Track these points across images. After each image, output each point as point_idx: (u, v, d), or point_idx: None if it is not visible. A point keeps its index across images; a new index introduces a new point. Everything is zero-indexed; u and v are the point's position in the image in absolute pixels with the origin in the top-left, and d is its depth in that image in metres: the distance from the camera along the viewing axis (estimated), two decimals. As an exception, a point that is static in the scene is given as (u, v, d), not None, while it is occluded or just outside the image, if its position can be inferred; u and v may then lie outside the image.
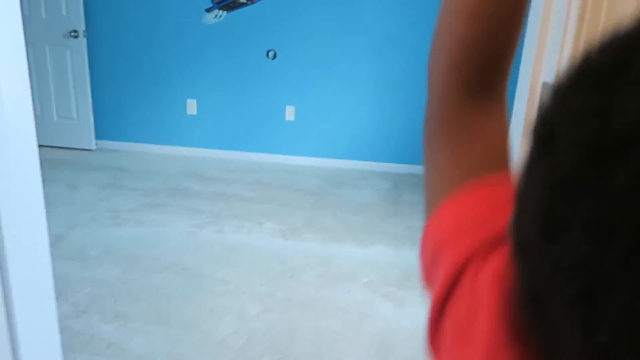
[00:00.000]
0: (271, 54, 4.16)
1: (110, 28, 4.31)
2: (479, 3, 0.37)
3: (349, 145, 4.31)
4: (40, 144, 4.88)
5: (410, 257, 2.71)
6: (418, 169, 4.26)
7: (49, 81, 4.42)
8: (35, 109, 4.69)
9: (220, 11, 4.10)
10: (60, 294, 2.10)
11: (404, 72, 4.09)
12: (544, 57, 0.56)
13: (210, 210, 3.24)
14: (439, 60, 0.40)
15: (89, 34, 4.30)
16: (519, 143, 0.62)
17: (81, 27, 4.23)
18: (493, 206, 0.34)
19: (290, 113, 4.29)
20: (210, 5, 4.09)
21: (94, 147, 4.53)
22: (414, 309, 2.21)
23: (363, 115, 4.23)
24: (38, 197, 1.11)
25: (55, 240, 2.70)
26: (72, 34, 4.23)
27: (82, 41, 4.27)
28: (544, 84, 0.55)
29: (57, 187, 3.50)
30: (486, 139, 0.38)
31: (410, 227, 3.12)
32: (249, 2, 4.06)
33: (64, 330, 1.65)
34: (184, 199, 3.42)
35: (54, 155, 4.24)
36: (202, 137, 4.44)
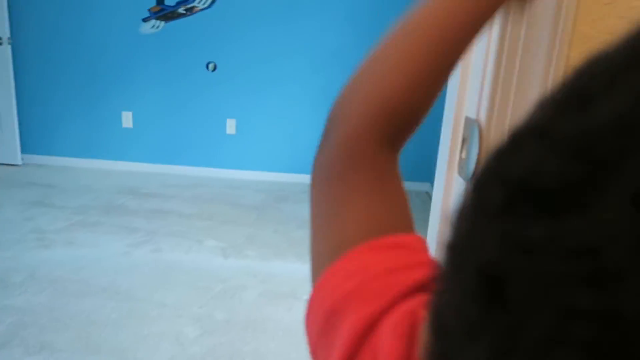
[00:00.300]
0: (211, 65, 4.09)
1: (38, 35, 4.08)
2: (414, 57, 0.37)
3: (291, 158, 4.29)
4: (-43, 158, 4.49)
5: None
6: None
7: (-31, 91, 4.11)
8: (-47, 121, 4.34)
9: (158, 21, 3.98)
10: (-24, 326, 1.93)
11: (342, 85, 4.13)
12: (466, 93, 0.57)
13: (146, 228, 3.11)
14: (358, 105, 0.39)
15: (15, 41, 4.05)
16: (442, 177, 0.62)
17: (5, 34, 3.98)
18: (399, 266, 0.32)
19: (231, 126, 4.22)
20: (147, 15, 3.97)
21: (19, 161, 4.25)
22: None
23: (304, 129, 4.23)
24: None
25: (-27, 265, 2.49)
26: (-5, 41, 3.97)
27: (7, 48, 4.02)
28: (467, 118, 0.56)
29: (-24, 206, 3.24)
30: (395, 193, 0.37)
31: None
32: (188, 13, 3.97)
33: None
34: (118, 216, 3.27)
35: (-27, 171, 3.93)
36: (138, 151, 4.28)
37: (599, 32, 0.47)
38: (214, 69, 4.10)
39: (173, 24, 4.00)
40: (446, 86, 0.44)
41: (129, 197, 3.64)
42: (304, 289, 2.49)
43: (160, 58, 4.08)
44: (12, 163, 4.24)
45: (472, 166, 0.52)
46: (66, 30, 4.05)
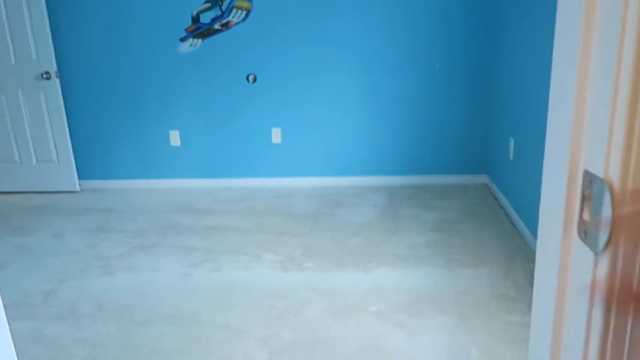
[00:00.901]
0: (251, 77, 4.06)
1: (82, 66, 4.19)
2: None
3: (340, 161, 4.21)
4: (20, 189, 4.75)
5: (416, 279, 2.61)
6: (412, 180, 4.17)
7: (25, 125, 4.27)
8: (13, 155, 4.56)
9: (195, 39, 3.99)
10: (51, 363, 1.97)
11: (389, 84, 4.01)
12: (583, 137, 0.46)
13: (204, 246, 3.11)
14: None
15: (62, 73, 4.17)
16: (554, 236, 0.52)
17: (53, 68, 4.11)
18: None
19: (276, 135, 4.19)
20: (184, 34, 3.99)
21: (77, 188, 4.38)
22: (427, 338, 2.10)
23: (351, 130, 4.14)
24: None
25: (44, 298, 2.55)
26: (45, 75, 4.10)
27: (55, 82, 4.14)
28: (586, 172, 0.45)
29: (42, 237, 3.35)
30: None
31: (412, 245, 3.01)
32: (224, 29, 3.96)
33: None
34: (175, 236, 3.29)
35: (36, 202, 4.08)
36: (187, 167, 4.32)
37: None
38: (255, 80, 4.07)
39: (210, 40, 3.99)
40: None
41: (183, 215, 3.67)
42: (369, 300, 2.41)
43: (201, 75, 4.09)
44: (71, 190, 4.37)
45: (604, 237, 0.41)
46: (108, 58, 4.13)
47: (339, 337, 2.12)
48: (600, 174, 0.43)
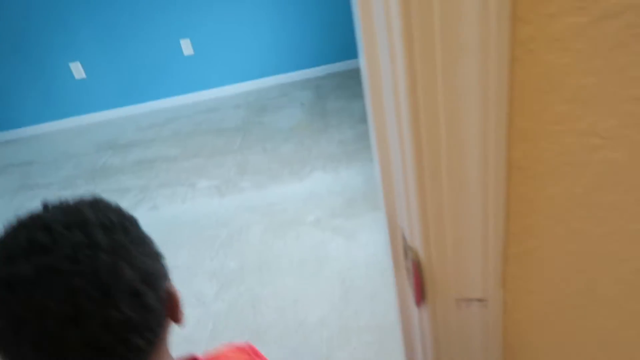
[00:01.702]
0: (142, -14, 3.66)
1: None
2: None
3: (261, 62, 4.04)
4: None
5: (348, 178, 2.69)
6: (336, 67, 4.09)
7: None
8: None
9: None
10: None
11: (292, -32, 3.71)
12: (395, 201, 0.46)
13: (136, 184, 3.06)
14: None
15: None
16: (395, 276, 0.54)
17: None
18: None
19: (187, 47, 3.91)
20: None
21: (-12, 142, 4.08)
22: (364, 238, 2.24)
23: (266, 26, 3.91)
24: None
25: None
26: None
27: None
28: (404, 241, 0.46)
29: (-36, 209, 3.18)
30: None
31: (342, 142, 3.06)
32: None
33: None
34: (105, 179, 3.20)
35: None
36: (99, 99, 4.05)
37: (542, 126, 0.35)
38: (147, -12, 3.67)
39: (83, -50, 3.49)
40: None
41: (108, 153, 3.52)
42: (306, 210, 2.50)
43: (86, -7, 3.64)
44: (-18, 146, 4.07)
45: (419, 289, 0.43)
46: (-28, -9, 3.58)
47: (282, 254, 2.23)
48: (409, 240, 0.44)
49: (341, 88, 3.81)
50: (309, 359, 1.71)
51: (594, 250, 0.41)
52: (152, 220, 2.69)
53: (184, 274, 2.25)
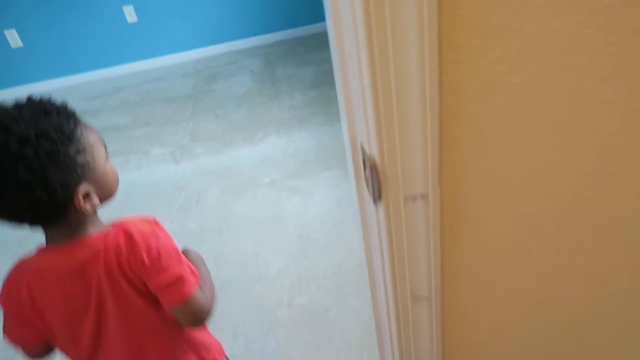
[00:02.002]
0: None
1: None
2: None
3: (208, 29, 4.02)
4: None
5: (301, 141, 2.80)
6: (285, 35, 4.13)
7: None
8: None
9: None
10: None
11: None
12: (355, 118, 0.58)
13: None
14: None
15: None
16: (354, 188, 0.66)
17: None
18: None
19: (130, 14, 3.83)
20: None
21: None
22: (318, 196, 2.37)
23: (209, -7, 3.88)
24: None
25: None
26: None
27: None
28: (362, 149, 0.58)
29: None
30: None
31: (293, 107, 3.15)
32: None
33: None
34: (54, 150, 3.14)
35: None
36: (40, 69, 3.91)
37: (465, 56, 0.47)
38: (85, -49, 3.54)
39: None
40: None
41: (54, 124, 3.44)
42: (262, 173, 2.59)
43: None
44: None
45: (376, 190, 0.55)
46: None
47: (241, 214, 2.33)
48: (367, 150, 0.56)
49: (290, 55, 3.87)
50: (273, 304, 1.85)
51: (506, 153, 0.55)
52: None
53: (145, 237, 2.30)
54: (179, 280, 0.82)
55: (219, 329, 1.72)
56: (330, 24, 0.54)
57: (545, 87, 0.50)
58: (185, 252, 0.95)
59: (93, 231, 0.82)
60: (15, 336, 0.85)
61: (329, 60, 3.63)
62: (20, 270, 0.83)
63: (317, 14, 4.09)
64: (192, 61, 4.02)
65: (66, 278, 0.80)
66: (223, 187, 2.54)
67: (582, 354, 0.79)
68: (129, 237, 0.81)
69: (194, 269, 0.87)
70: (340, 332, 1.70)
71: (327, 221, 2.21)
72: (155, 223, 0.88)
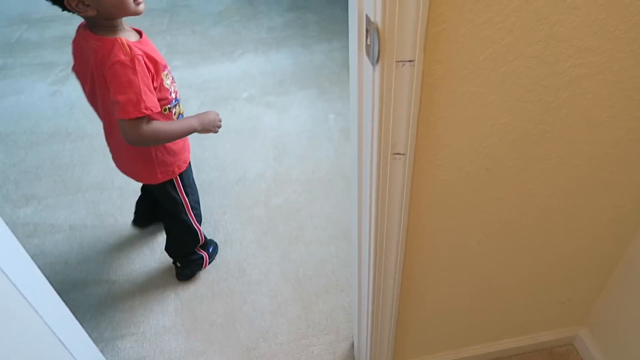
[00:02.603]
0: None
1: None
2: None
3: (183, -58, 3.90)
4: None
5: (278, 61, 2.89)
6: (262, -45, 4.07)
7: None
8: None
9: None
10: (-44, 198, 2.09)
11: None
12: None
13: (61, 60, 3.02)
14: None
15: None
16: (354, 59, 0.82)
17: None
18: None
19: None
20: None
21: None
22: (293, 112, 2.51)
23: None
24: None
25: None
26: None
27: None
28: (367, 18, 0.73)
29: None
30: None
31: (271, 28, 3.20)
32: None
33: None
34: (25, 53, 3.10)
35: None
36: (7, -32, 3.73)
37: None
38: None
39: None
40: None
41: (23, 27, 3.36)
42: (240, 88, 2.69)
43: None
44: None
45: (376, 54, 0.71)
46: None
47: (220, 125, 2.45)
48: (372, 18, 0.71)
49: (268, -24, 3.85)
50: (250, 203, 2.03)
51: (478, 31, 0.71)
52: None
53: (126, 140, 2.39)
54: (115, 104, 1.16)
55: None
56: None
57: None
58: (203, 114, 1.41)
59: (106, 34, 1.18)
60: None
61: (308, -16, 3.66)
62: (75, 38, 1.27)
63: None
64: (167, -26, 3.93)
65: (84, 54, 1.22)
66: (202, 99, 2.63)
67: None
68: (109, 53, 1.14)
69: (143, 102, 1.17)
70: (312, 228, 1.91)
71: (302, 134, 2.37)
72: (135, 59, 1.15)
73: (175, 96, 1.35)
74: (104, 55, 1.15)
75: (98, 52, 1.16)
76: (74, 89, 2.76)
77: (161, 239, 1.88)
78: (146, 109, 1.17)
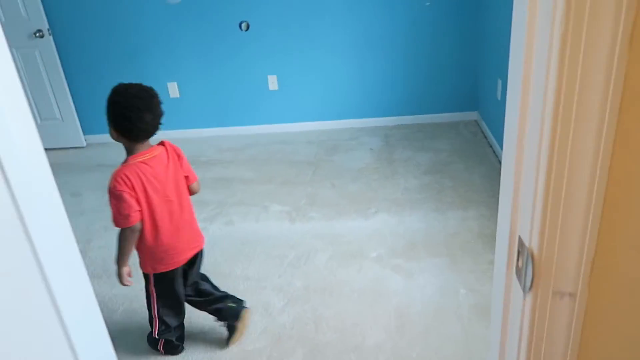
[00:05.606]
0: (244, 25, 4.10)
1: (74, 22, 4.20)
2: None
3: (336, 105, 4.36)
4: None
5: (411, 223, 2.88)
6: (405, 120, 4.35)
7: (25, 85, 4.35)
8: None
9: (184, -9, 3.99)
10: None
11: (380, 26, 4.06)
12: (519, 214, 0.67)
13: (214, 199, 3.36)
14: None
15: (55, 31, 4.20)
16: (501, 277, 0.75)
17: (45, 26, 4.13)
18: None
19: (272, 82, 4.29)
20: (174, -13, 3.97)
21: (83, 143, 4.56)
22: (421, 280, 2.41)
23: (344, 73, 4.25)
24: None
25: (76, 257, 2.83)
26: (37, 34, 4.13)
27: (49, 39, 4.18)
28: (520, 240, 0.67)
29: (61, 198, 3.57)
30: None
31: (407, 189, 3.26)
32: (214, -20, 3.94)
33: None
34: (187, 190, 3.52)
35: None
36: (188, 118, 4.46)
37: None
38: (247, 28, 4.10)
39: (201, -11, 3.98)
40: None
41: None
42: (369, 246, 2.70)
43: (192, 25, 4.12)
44: (78, 146, 4.55)
45: (529, 281, 0.64)
46: (100, 13, 4.13)
47: (345, 282, 2.43)
48: (526, 242, 0.65)
49: (409, 139, 4.05)
50: (365, 377, 1.88)
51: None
52: (227, 233, 2.96)
53: (254, 285, 2.48)
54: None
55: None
56: (511, 144, 0.66)
57: None
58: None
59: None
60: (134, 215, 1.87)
61: (446, 150, 3.77)
62: (129, 168, 1.87)
63: (439, 105, 4.28)
64: (317, 131, 4.35)
65: (164, 162, 1.99)
66: (332, 252, 2.67)
67: None
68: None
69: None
70: (430, 421, 1.68)
71: (428, 306, 2.22)
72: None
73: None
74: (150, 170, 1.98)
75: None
76: (219, 228, 3.01)
77: None
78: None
